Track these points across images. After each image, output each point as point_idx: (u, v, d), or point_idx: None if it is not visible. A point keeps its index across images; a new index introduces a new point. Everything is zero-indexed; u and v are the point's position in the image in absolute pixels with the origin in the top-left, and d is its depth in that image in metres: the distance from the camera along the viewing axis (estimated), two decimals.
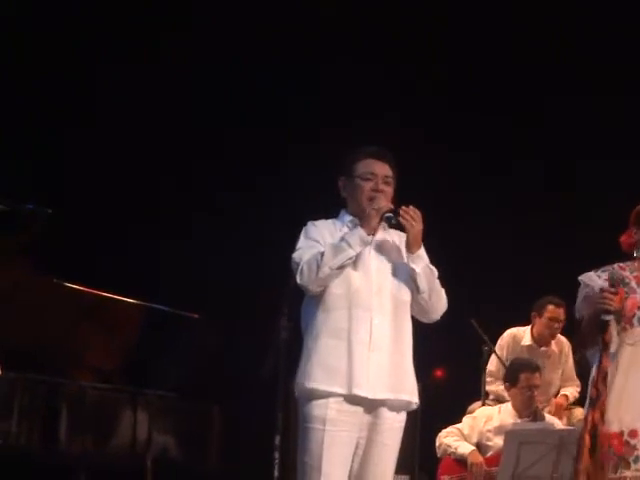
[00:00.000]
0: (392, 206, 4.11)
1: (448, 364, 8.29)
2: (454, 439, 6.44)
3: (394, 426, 4.10)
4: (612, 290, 4.16)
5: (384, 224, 4.15)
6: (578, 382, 7.21)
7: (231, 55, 8.21)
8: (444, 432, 6.52)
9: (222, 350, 7.20)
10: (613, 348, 4.22)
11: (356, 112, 7.88)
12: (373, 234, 4.09)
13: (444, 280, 4.31)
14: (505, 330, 7.36)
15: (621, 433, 4.12)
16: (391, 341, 4.06)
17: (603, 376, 4.15)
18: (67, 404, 6.08)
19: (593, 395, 4.16)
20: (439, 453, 6.52)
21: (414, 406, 4.17)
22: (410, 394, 4.12)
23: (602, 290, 4.17)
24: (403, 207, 4.05)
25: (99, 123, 8.03)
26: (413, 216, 4.04)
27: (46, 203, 6.03)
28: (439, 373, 8.44)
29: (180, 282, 7.82)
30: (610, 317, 4.16)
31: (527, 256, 8.09)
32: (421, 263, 4.11)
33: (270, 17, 8.15)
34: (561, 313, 7.12)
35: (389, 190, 4.16)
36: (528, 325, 7.30)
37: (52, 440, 6.01)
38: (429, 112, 8.05)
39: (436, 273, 4.19)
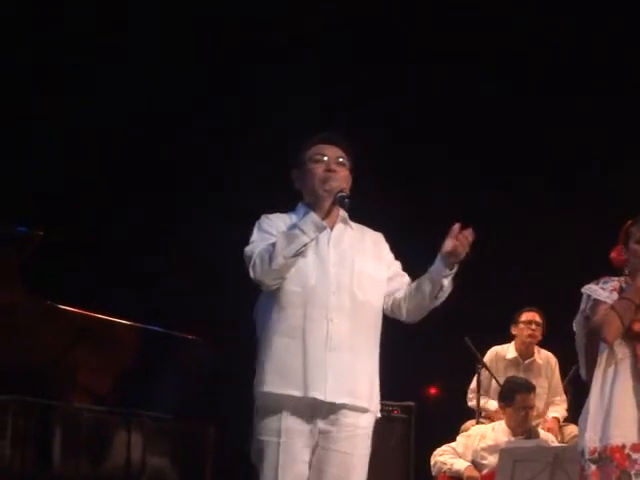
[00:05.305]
0: (344, 186, 3.85)
1: (442, 382, 8.29)
2: (449, 456, 6.48)
3: (356, 433, 3.80)
4: None
5: (343, 216, 3.93)
6: (564, 397, 7.29)
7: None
8: (439, 450, 6.56)
9: (217, 372, 7.19)
10: (604, 366, 4.22)
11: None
12: (324, 218, 3.79)
13: None
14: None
15: (623, 446, 4.10)
16: (350, 343, 3.78)
17: None
18: (61, 426, 6.05)
19: None
20: (434, 471, 6.55)
21: (377, 414, 3.90)
22: (368, 401, 3.84)
23: None
24: (463, 233, 3.78)
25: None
26: (466, 243, 3.79)
27: (38, 225, 6.05)
28: (433, 391, 8.44)
29: (176, 304, 7.82)
30: None
31: (526, 275, 8.10)
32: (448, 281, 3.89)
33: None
34: (536, 315, 7.29)
35: (343, 171, 3.90)
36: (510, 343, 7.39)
37: (46, 463, 5.99)
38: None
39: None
